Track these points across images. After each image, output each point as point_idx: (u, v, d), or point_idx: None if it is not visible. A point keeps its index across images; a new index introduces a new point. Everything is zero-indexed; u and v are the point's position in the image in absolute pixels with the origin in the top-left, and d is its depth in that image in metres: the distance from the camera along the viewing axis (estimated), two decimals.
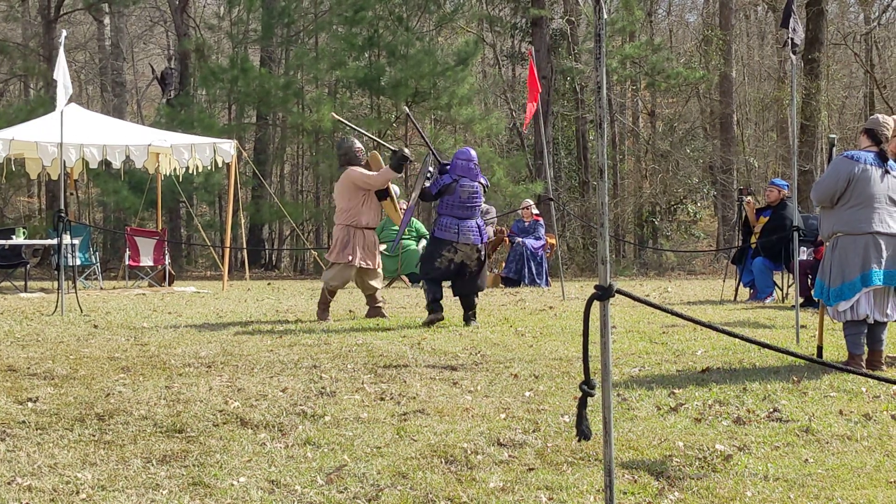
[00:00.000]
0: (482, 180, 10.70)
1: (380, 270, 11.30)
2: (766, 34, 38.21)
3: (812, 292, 11.01)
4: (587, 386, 3.52)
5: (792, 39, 9.16)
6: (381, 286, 11.30)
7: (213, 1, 38.64)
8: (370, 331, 9.77)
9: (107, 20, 32.25)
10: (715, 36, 31.38)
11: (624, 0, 28.60)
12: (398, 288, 17.79)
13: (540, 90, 14.91)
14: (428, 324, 10.29)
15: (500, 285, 18.17)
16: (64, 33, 12.76)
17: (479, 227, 10.52)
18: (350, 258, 10.89)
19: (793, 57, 9.33)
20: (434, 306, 10.42)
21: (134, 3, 29.93)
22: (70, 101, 12.23)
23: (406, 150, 11.11)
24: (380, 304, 11.24)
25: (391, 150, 11.36)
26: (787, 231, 10.99)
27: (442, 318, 10.43)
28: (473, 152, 10.74)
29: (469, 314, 10.60)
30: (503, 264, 18.96)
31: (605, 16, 3.26)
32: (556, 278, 17.63)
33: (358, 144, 11.24)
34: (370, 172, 10.94)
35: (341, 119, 13.28)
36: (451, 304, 11.40)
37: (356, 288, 11.66)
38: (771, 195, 13.73)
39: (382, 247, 18.13)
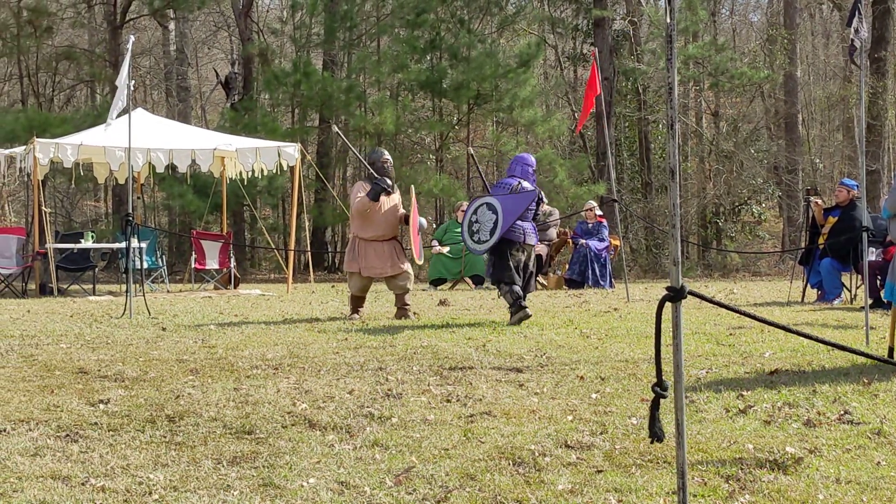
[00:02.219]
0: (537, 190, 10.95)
1: (409, 270, 11.44)
2: (831, 33, 37.77)
3: (882, 293, 10.86)
4: (660, 388, 3.50)
5: (852, 41, 8.99)
6: (410, 287, 11.49)
7: (276, 5, 38.98)
8: (435, 333, 9.78)
9: (172, 26, 32.68)
10: (779, 35, 31.07)
11: (687, 0, 28.40)
12: (462, 290, 17.80)
13: (598, 92, 14.81)
14: (517, 322, 10.41)
15: (564, 287, 18.12)
16: (132, 39, 12.84)
17: (533, 228, 10.89)
18: (355, 268, 11.30)
19: (863, 62, 9.14)
20: (520, 304, 10.49)
21: (198, 9, 30.25)
22: (124, 111, 12.27)
23: (388, 181, 11.23)
24: (407, 306, 11.43)
25: (375, 178, 11.30)
26: (857, 232, 10.83)
27: (530, 315, 10.52)
28: (532, 158, 11.18)
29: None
30: (567, 266, 18.90)
31: (676, 17, 3.25)
32: (620, 280, 17.54)
33: (386, 156, 11.47)
34: (359, 199, 11.15)
35: (340, 133, 13.91)
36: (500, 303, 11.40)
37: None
38: (840, 195, 13.57)
39: (445, 249, 18.23)
